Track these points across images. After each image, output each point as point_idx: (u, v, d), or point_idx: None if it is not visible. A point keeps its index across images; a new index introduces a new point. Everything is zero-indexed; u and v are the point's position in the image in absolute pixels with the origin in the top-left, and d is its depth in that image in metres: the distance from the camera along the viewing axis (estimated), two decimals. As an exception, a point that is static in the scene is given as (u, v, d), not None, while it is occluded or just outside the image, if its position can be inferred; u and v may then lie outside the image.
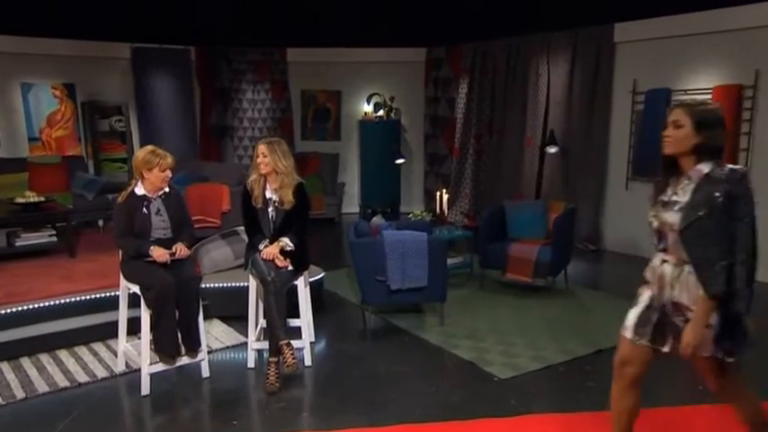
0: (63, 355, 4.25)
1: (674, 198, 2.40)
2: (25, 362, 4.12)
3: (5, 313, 4.30)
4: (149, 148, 3.80)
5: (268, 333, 3.85)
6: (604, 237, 7.29)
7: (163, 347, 3.70)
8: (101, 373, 3.99)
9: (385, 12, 8.11)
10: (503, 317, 4.99)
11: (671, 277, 2.44)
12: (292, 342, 3.80)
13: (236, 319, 4.76)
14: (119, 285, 4.17)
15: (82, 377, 3.92)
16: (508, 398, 3.64)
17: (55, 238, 5.84)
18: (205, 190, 6.63)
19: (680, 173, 2.41)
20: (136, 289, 3.70)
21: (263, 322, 4.21)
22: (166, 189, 3.80)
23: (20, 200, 5.86)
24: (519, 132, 7.97)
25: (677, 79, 6.30)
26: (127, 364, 4.04)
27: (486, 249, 5.64)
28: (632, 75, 6.74)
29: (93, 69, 8.27)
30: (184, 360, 3.83)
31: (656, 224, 2.50)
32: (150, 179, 3.71)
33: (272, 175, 3.88)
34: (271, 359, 3.82)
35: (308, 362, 4.11)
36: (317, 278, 5.13)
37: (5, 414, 3.49)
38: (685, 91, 6.18)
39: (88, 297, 4.66)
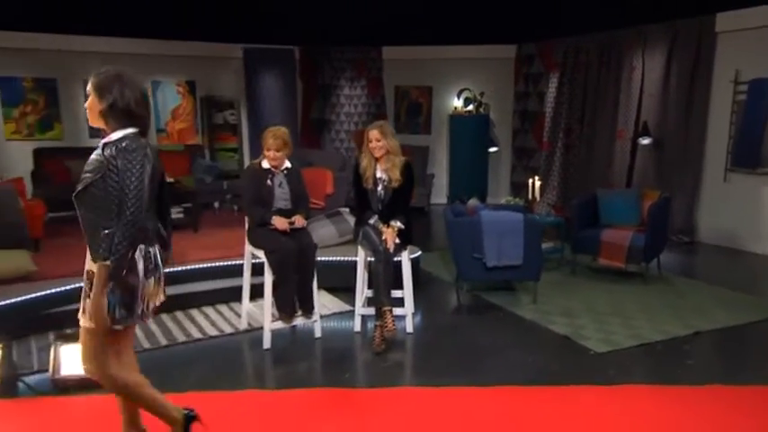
0: (194, 313, 4.65)
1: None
2: (164, 317, 4.54)
3: (147, 274, 4.76)
4: (270, 128, 4.07)
5: (374, 299, 4.04)
6: (699, 228, 6.99)
7: (282, 307, 3.97)
8: (227, 329, 4.34)
9: (476, 10, 8.15)
10: (596, 298, 4.94)
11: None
12: (395, 310, 3.99)
13: (341, 290, 5.01)
14: (238, 256, 4.53)
15: (212, 331, 4.29)
16: (606, 369, 3.64)
17: (182, 215, 6.36)
18: (310, 174, 6.91)
19: None
20: (260, 254, 4.00)
21: (367, 292, 4.41)
22: (288, 165, 4.08)
23: (153, 180, 6.41)
24: (610, 125, 7.79)
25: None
26: (249, 323, 4.37)
27: (578, 235, 5.59)
28: (734, 65, 6.43)
29: (211, 68, 8.87)
30: (300, 320, 4.10)
31: None
32: (265, 154, 4.00)
33: (383, 157, 4.06)
34: (377, 322, 4.00)
35: (409, 329, 4.27)
36: (415, 255, 5.29)
37: (154, 357, 3.88)
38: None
39: (213, 265, 5.07)
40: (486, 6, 8.02)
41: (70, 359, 3.44)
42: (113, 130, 2.28)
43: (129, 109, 2.27)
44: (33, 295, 4.20)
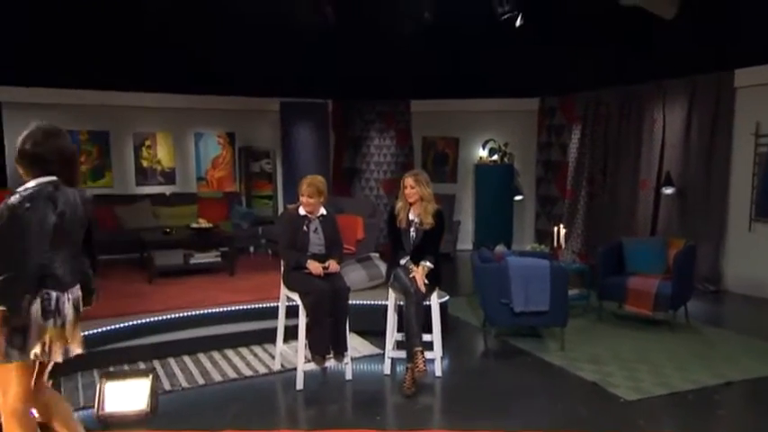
0: (230, 353, 4.70)
1: None
2: (201, 356, 4.60)
3: (187, 316, 4.88)
4: (308, 176, 4.20)
5: (407, 340, 4.04)
6: (725, 277, 6.84)
7: (316, 349, 4.00)
8: (261, 369, 4.38)
9: (500, 66, 8.36)
10: (624, 345, 4.85)
11: None
12: (425, 353, 3.99)
13: (371, 333, 5.02)
14: (273, 298, 4.61)
15: (246, 371, 4.33)
16: (635, 418, 3.55)
17: (219, 259, 6.50)
18: (342, 221, 7.00)
19: None
20: (295, 296, 4.06)
21: (397, 335, 4.42)
22: (324, 212, 4.19)
23: (194, 225, 6.61)
24: (633, 175, 7.79)
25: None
26: (282, 365, 4.40)
27: (604, 282, 5.54)
28: (755, 117, 6.43)
29: (249, 120, 9.21)
30: (332, 362, 4.11)
31: None
32: (300, 200, 4.12)
33: (416, 203, 4.16)
34: (408, 365, 4.00)
35: (438, 373, 4.25)
36: (443, 300, 5.29)
37: (191, 395, 3.93)
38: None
39: (248, 307, 5.15)
40: (509, 62, 8.23)
41: (114, 396, 3.51)
42: (28, 179, 2.43)
43: (38, 159, 2.40)
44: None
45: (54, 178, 2.41)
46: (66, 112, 7.96)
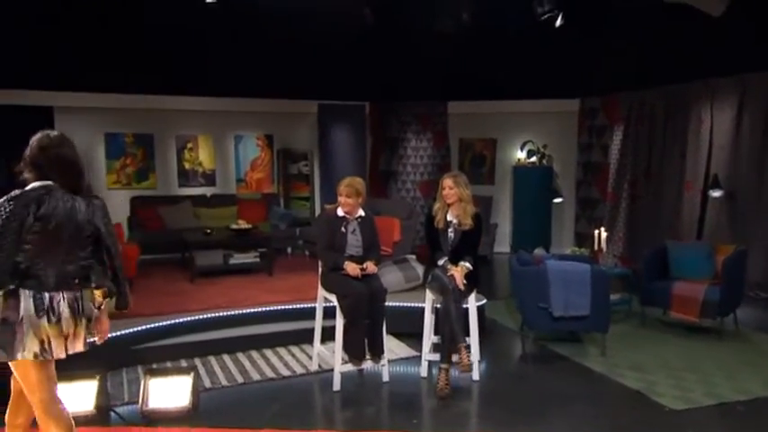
0: (268, 353, 4.76)
1: None
2: (240, 356, 4.67)
3: (227, 315, 4.97)
4: (347, 177, 4.22)
5: (443, 339, 4.01)
6: (778, 284, 6.55)
7: (352, 350, 4.01)
8: (299, 369, 4.42)
9: (539, 66, 8.24)
10: (668, 353, 4.70)
11: None
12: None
13: (407, 335, 5.00)
14: (310, 299, 4.64)
15: (284, 371, 4.37)
16: (682, 428, 3.44)
17: (258, 259, 6.59)
18: (378, 223, 7.02)
19: None
20: (332, 298, 4.08)
21: (434, 338, 4.39)
22: (362, 213, 4.20)
23: (234, 226, 6.73)
24: (678, 177, 7.54)
25: None
26: (319, 365, 4.42)
27: (647, 287, 5.38)
28: (809, 116, 6.14)
29: (288, 123, 9.33)
30: (368, 364, 4.11)
31: None
32: (338, 200, 4.14)
33: (455, 204, 4.14)
34: (442, 365, 3.97)
35: (475, 377, 4.20)
36: (480, 303, 5.23)
37: (230, 393, 4.00)
38: None
39: (286, 307, 5.21)
40: (549, 63, 8.10)
41: (157, 393, 3.60)
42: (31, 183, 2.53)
43: (36, 165, 2.51)
44: (125, 331, 4.45)
45: (49, 183, 2.50)
46: (112, 116, 8.25)
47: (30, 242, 2.42)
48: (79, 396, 3.49)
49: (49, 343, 2.49)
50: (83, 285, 2.62)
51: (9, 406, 2.72)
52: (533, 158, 9.23)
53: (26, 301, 2.44)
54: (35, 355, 2.46)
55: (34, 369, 2.51)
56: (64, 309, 2.52)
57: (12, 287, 2.42)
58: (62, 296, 2.53)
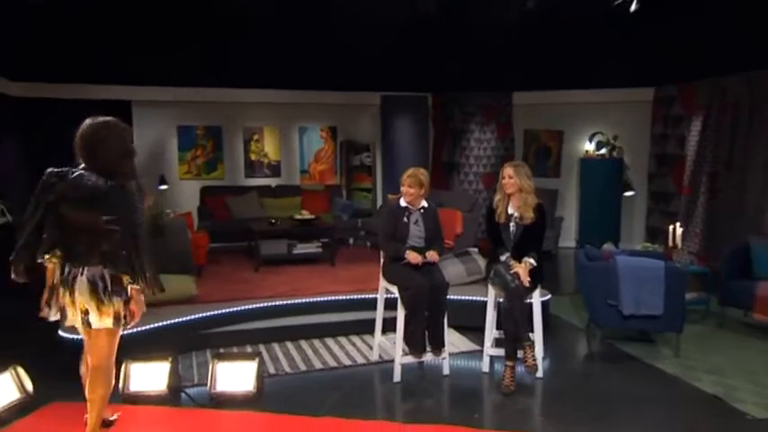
0: (330, 342, 4.83)
1: None
2: (303, 343, 4.76)
3: (290, 304, 5.08)
4: (410, 169, 4.18)
5: (506, 338, 3.93)
6: None
7: (413, 342, 4.00)
8: (360, 359, 4.45)
9: (610, 55, 7.87)
10: (750, 357, 4.40)
11: None
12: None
13: (469, 329, 4.94)
14: (372, 290, 4.66)
15: (346, 360, 4.42)
16: (765, 437, 3.21)
17: (320, 250, 6.69)
18: (440, 215, 6.98)
19: None
20: (394, 289, 4.07)
21: (496, 332, 4.31)
22: (425, 204, 4.16)
23: (297, 216, 6.86)
24: (762, 170, 7.02)
25: None
26: (380, 356, 4.44)
27: (727, 286, 5.06)
28: None
29: (351, 114, 9.40)
30: (429, 357, 4.08)
31: None
32: (401, 190, 4.11)
33: (515, 195, 4.02)
34: (507, 363, 3.89)
35: (539, 373, 4.09)
36: (545, 299, 5.09)
37: (294, 380, 4.09)
38: None
39: (348, 298, 5.26)
40: (621, 50, 7.73)
41: (224, 376, 3.72)
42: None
43: (75, 150, 2.78)
44: (195, 316, 4.63)
45: (73, 168, 2.79)
46: (185, 109, 8.58)
47: (54, 220, 2.73)
48: (153, 376, 3.66)
49: (64, 310, 2.81)
50: (107, 266, 2.79)
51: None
52: (603, 150, 8.87)
53: (57, 270, 2.81)
54: (58, 320, 2.85)
55: (105, 333, 2.86)
56: (79, 284, 2.76)
57: (50, 257, 2.77)
58: (81, 271, 2.77)
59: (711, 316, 5.31)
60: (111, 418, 3.23)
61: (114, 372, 2.99)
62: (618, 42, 7.46)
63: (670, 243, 5.65)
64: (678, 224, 5.78)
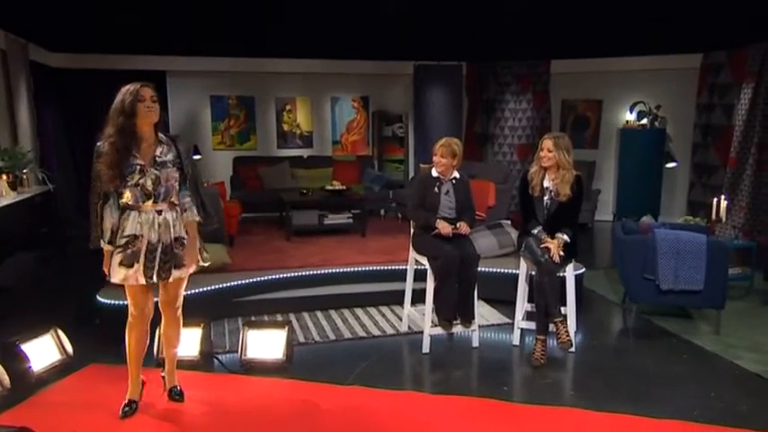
0: (359, 312, 4.83)
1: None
2: (333, 313, 4.78)
3: (321, 274, 5.08)
4: (443, 139, 4.07)
5: (537, 312, 3.85)
6: None
7: (442, 313, 3.95)
8: (389, 330, 4.44)
9: (653, 19, 7.48)
10: (796, 336, 4.21)
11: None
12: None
13: (499, 302, 4.87)
14: (401, 261, 4.61)
15: (374, 331, 4.42)
16: (810, 419, 3.07)
17: (351, 221, 6.67)
18: (473, 186, 6.85)
19: None
20: (423, 260, 4.02)
21: (527, 305, 4.22)
22: (457, 175, 4.07)
23: (329, 187, 6.84)
24: (817, 141, 6.63)
25: None
26: (409, 327, 4.42)
27: (773, 262, 4.83)
28: None
29: (383, 84, 9.26)
30: (458, 328, 4.04)
31: None
32: (433, 160, 4.01)
33: (552, 168, 3.88)
34: (539, 336, 3.82)
35: (572, 348, 3.99)
36: (579, 272, 4.96)
37: (323, 349, 4.11)
38: None
39: (378, 268, 5.24)
40: (665, 14, 7.33)
41: (255, 344, 3.76)
42: None
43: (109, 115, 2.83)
44: (227, 284, 4.68)
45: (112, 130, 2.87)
46: (218, 78, 8.60)
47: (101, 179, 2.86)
48: (186, 342, 3.71)
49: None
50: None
51: None
52: (644, 120, 8.52)
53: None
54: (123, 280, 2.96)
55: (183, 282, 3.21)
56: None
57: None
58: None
59: (755, 293, 5.10)
60: (162, 374, 3.34)
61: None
62: (662, 5, 7.07)
63: (713, 216, 5.41)
64: (723, 197, 5.52)
